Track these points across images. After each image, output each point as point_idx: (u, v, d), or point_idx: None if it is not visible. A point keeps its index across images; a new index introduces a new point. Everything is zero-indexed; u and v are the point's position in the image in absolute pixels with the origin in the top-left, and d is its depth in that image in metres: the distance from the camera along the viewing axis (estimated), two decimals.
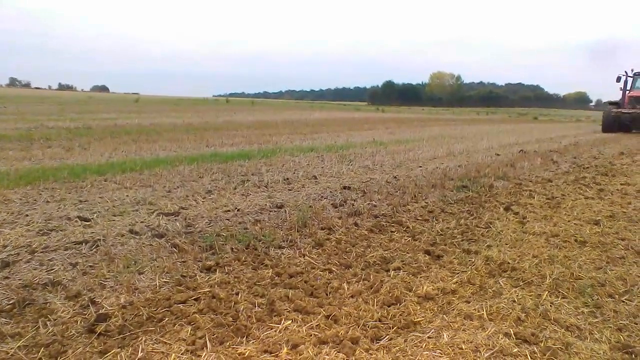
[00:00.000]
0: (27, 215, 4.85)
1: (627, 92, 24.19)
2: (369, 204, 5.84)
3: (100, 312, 2.80)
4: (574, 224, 5.28)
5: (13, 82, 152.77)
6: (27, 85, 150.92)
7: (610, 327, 2.88)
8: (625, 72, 24.40)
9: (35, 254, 3.76)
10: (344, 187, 6.86)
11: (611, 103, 24.91)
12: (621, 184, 7.97)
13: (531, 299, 3.22)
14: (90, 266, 3.54)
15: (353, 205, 5.74)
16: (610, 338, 2.74)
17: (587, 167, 9.94)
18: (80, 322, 2.70)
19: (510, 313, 2.98)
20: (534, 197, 6.61)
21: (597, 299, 3.28)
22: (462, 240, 4.54)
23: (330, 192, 6.55)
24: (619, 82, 24.25)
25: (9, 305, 2.84)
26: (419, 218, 5.31)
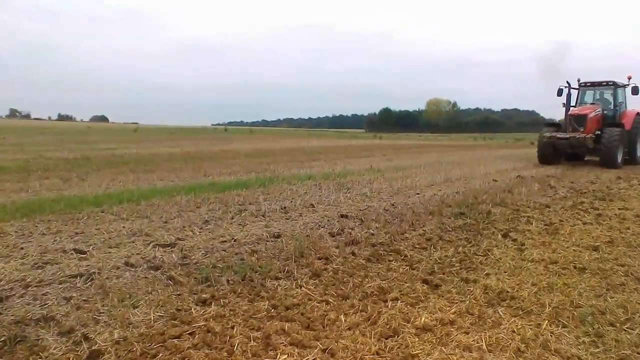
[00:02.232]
0: (22, 249, 4.82)
1: (572, 108, 17.74)
2: (366, 232, 5.82)
3: (93, 348, 2.76)
4: (573, 250, 5.25)
5: (13, 113, 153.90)
6: (27, 116, 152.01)
7: (612, 357, 2.84)
8: (568, 82, 17.67)
9: (29, 288, 3.73)
10: (342, 216, 6.84)
11: (549, 125, 18.74)
12: (619, 209, 7.95)
13: (531, 328, 3.18)
14: (85, 300, 3.51)
15: (350, 234, 5.72)
16: None
17: (585, 192, 9.94)
18: (73, 359, 2.65)
19: (510, 344, 2.94)
20: (532, 223, 6.60)
21: (598, 327, 3.24)
22: (460, 269, 4.51)
23: (328, 220, 6.53)
24: (560, 96, 17.66)
25: (0, 342, 2.80)
26: (417, 246, 5.29)
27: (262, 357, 2.72)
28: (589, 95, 18.47)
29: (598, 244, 5.51)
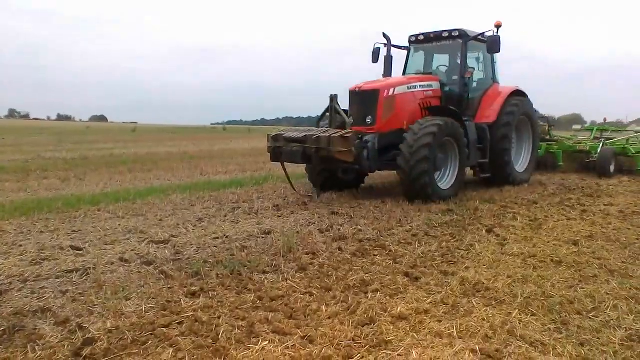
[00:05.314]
0: (21, 246, 5.01)
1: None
2: (354, 228, 6.01)
3: (87, 336, 2.95)
4: (553, 244, 5.43)
5: (12, 114, 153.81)
6: (26, 116, 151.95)
7: (573, 342, 3.02)
8: (386, 36, 10.42)
9: (28, 282, 3.92)
10: (332, 213, 7.02)
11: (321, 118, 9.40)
12: (604, 205, 8.13)
13: (501, 317, 3.36)
14: (80, 293, 3.70)
15: (339, 230, 5.91)
16: (572, 352, 2.88)
17: (574, 189, 10.10)
18: (68, 347, 2.85)
19: (479, 331, 3.13)
20: (517, 219, 6.78)
21: (565, 315, 3.42)
22: (441, 263, 4.70)
23: (319, 217, 6.71)
24: (376, 61, 10.39)
25: (0, 332, 2.99)
26: (403, 241, 5.47)
27: (245, 344, 2.91)
28: (438, 60, 10.48)
29: (578, 238, 5.69)
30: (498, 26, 9.22)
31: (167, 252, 4.86)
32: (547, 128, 13.61)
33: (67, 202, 7.39)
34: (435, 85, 9.34)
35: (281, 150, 8.21)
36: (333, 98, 8.50)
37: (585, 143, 13.43)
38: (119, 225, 6.02)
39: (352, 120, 8.33)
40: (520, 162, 10.78)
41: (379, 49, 10.37)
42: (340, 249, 5.09)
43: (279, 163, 8.61)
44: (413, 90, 8.88)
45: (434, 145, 7.74)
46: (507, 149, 9.82)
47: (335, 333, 3.06)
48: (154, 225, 6.05)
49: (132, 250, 4.92)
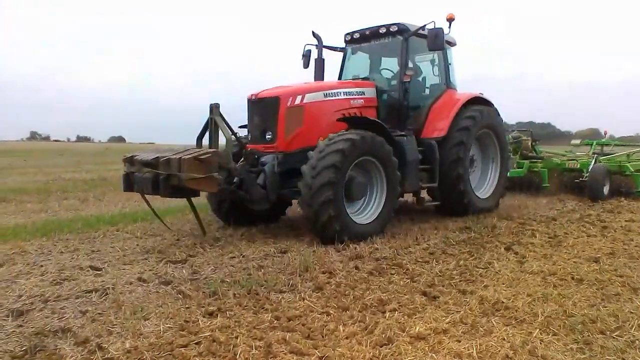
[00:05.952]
0: (41, 266, 5.08)
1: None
2: (371, 247, 5.98)
3: (107, 356, 2.98)
4: (573, 262, 5.34)
5: (33, 136, 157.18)
6: (47, 138, 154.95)
7: None
8: (317, 36, 8.33)
9: (48, 302, 3.97)
10: None
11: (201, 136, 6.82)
12: (626, 221, 7.98)
13: (521, 336, 3.31)
14: (99, 313, 3.74)
15: (355, 248, 5.88)
16: None
17: (593, 205, 9.93)
18: None
19: (499, 351, 3.08)
20: (535, 236, 6.69)
21: (588, 335, 3.35)
22: (459, 281, 4.64)
23: None
24: (307, 66, 8.62)
25: (21, 352, 3.04)
26: (420, 260, 5.43)
27: None
28: (385, 63, 8.64)
29: (599, 255, 5.58)
30: (450, 19, 7.79)
31: (184, 271, 4.90)
32: (530, 143, 12.35)
33: (86, 222, 7.50)
34: (370, 92, 7.55)
35: (134, 176, 6.15)
36: (212, 108, 6.40)
37: (576, 160, 11.69)
38: (137, 245, 6.10)
39: (268, 136, 6.73)
40: (485, 186, 8.89)
41: (309, 51, 8.55)
42: (356, 267, 5.07)
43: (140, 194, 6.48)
44: (333, 98, 7.04)
45: (342, 166, 5.97)
46: (461, 175, 7.87)
47: (353, 353, 3.04)
48: (172, 245, 6.10)
49: (150, 270, 4.97)
